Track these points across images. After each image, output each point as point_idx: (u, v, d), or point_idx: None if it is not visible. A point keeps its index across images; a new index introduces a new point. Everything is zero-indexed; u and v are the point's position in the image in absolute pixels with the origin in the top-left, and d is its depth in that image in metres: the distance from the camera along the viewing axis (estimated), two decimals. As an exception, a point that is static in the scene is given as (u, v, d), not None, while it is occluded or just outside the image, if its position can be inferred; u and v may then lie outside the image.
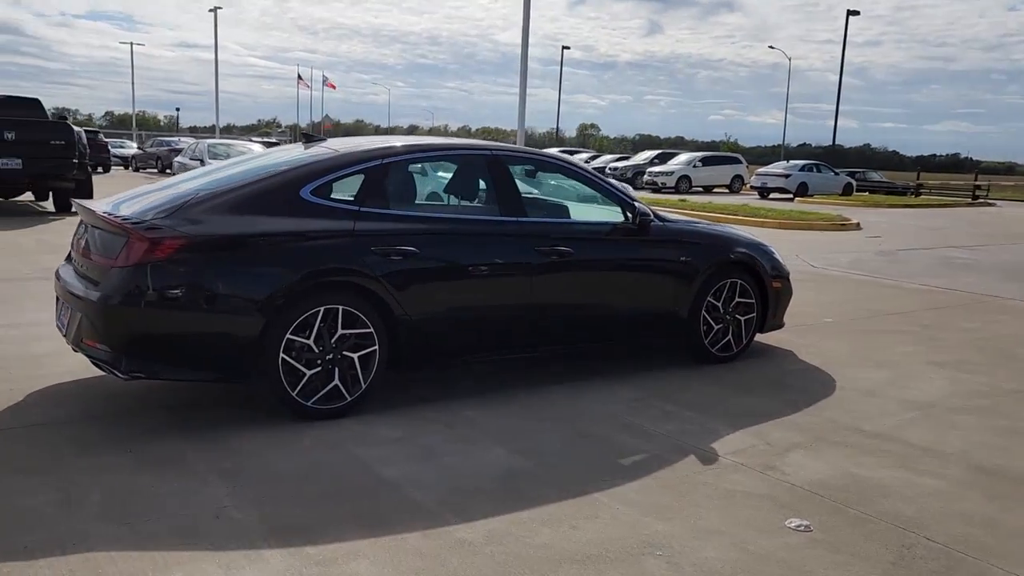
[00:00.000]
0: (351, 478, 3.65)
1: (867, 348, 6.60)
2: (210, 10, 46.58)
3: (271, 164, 4.68)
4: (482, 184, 5.18)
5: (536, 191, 5.95)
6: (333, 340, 4.35)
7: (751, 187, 34.48)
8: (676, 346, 5.94)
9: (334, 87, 76.45)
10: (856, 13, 42.65)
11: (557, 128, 60.22)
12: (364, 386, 4.47)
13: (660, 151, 40.30)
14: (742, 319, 5.96)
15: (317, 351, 4.31)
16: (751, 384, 5.41)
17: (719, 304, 5.81)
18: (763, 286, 6.03)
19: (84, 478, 3.51)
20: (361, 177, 4.62)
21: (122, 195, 4.69)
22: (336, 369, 4.38)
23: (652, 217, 5.40)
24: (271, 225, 4.25)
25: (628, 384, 5.28)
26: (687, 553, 3.08)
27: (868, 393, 5.32)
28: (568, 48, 54.95)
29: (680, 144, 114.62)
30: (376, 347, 4.47)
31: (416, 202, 5.08)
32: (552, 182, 6.38)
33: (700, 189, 34.56)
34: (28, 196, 16.21)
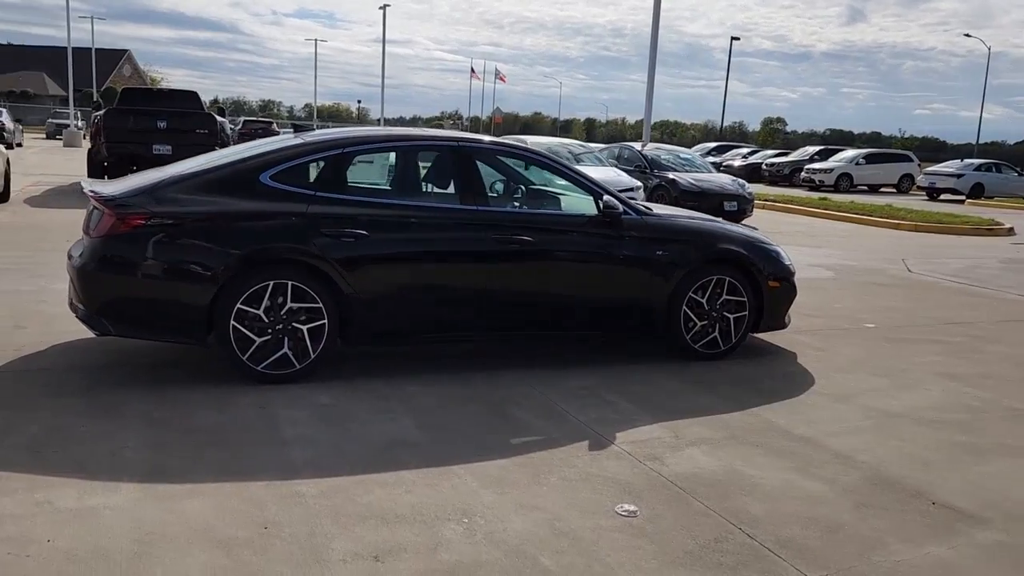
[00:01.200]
0: (254, 434, 4.06)
1: (883, 355, 6.30)
2: (380, 8, 49.03)
3: (247, 151, 5.17)
4: (445, 174, 5.45)
5: (543, 183, 6.10)
6: (282, 312, 4.78)
7: (918, 187, 32.25)
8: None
9: (504, 80, 78.09)
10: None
11: (722, 122, 58.50)
12: (313, 356, 4.87)
13: (822, 147, 38.43)
14: (731, 317, 5.88)
15: (267, 321, 4.76)
16: (717, 382, 5.37)
17: (703, 300, 5.77)
18: (756, 285, 5.92)
19: (33, 415, 4.13)
20: (320, 164, 5.02)
21: (130, 177, 5.34)
22: (286, 339, 4.81)
23: (621, 210, 5.46)
24: (228, 206, 4.73)
25: (586, 373, 5.39)
26: (492, 524, 3.26)
27: (839, 399, 5.15)
28: (737, 39, 53.13)
29: (876, 141, 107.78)
30: (325, 321, 4.86)
31: (373, 189, 5.42)
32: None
33: (865, 188, 32.71)
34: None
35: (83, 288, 4.64)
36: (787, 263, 6.15)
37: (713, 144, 44.98)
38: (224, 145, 15.98)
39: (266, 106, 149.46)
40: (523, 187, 5.99)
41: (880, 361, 6.13)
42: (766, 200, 21.16)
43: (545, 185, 6.01)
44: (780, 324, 6.22)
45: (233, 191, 4.80)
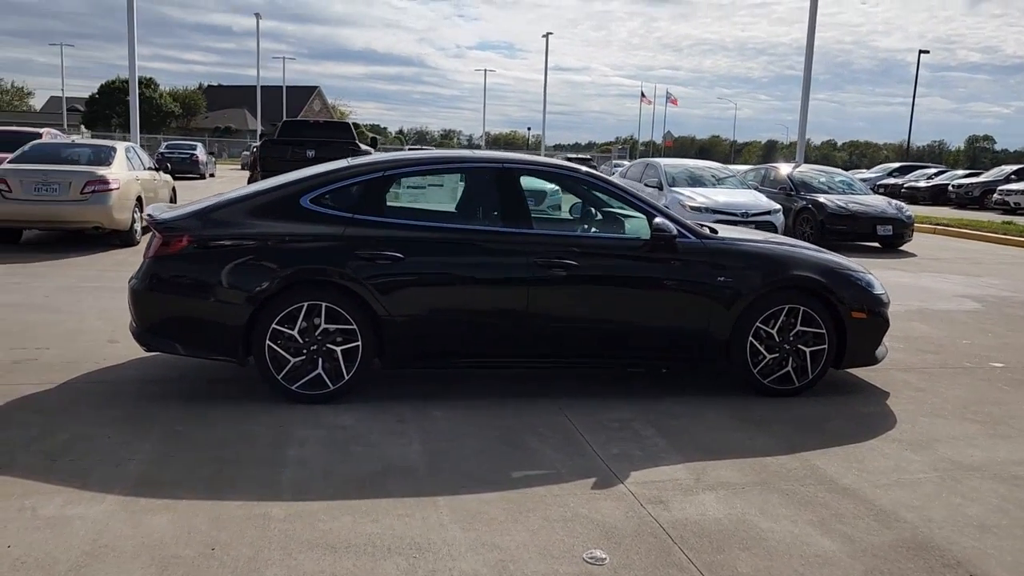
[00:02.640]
0: (258, 452, 4.12)
1: (992, 400, 5.55)
2: (543, 36, 49.91)
3: (296, 176, 5.30)
4: (488, 196, 5.34)
5: (600, 205, 5.86)
6: (317, 333, 4.84)
7: None
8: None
9: (676, 103, 76.94)
10: None
11: (909, 140, 54.69)
12: (347, 377, 4.90)
13: (1020, 166, 34.97)
14: (807, 351, 5.38)
15: (302, 341, 4.83)
16: (775, 421, 4.92)
17: (773, 331, 5.31)
18: (837, 315, 5.39)
19: (69, 423, 4.39)
20: (360, 188, 5.06)
21: (193, 202, 5.62)
22: (320, 359, 4.87)
23: (674, 232, 5.14)
24: (268, 228, 4.87)
25: (629, 404, 5.09)
26: (439, 562, 3.10)
27: (912, 447, 4.57)
28: (927, 52, 49.58)
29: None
30: (359, 343, 4.88)
31: (412, 211, 5.38)
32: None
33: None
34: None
35: (134, 306, 4.91)
36: (876, 292, 5.56)
37: (896, 165, 42.11)
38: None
39: (447, 135, 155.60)
40: (574, 209, 5.78)
41: (985, 406, 5.39)
42: (937, 224, 19.48)
43: (602, 207, 5.76)
44: (868, 359, 5.62)
45: (275, 214, 4.93)
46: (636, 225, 5.41)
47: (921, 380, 5.96)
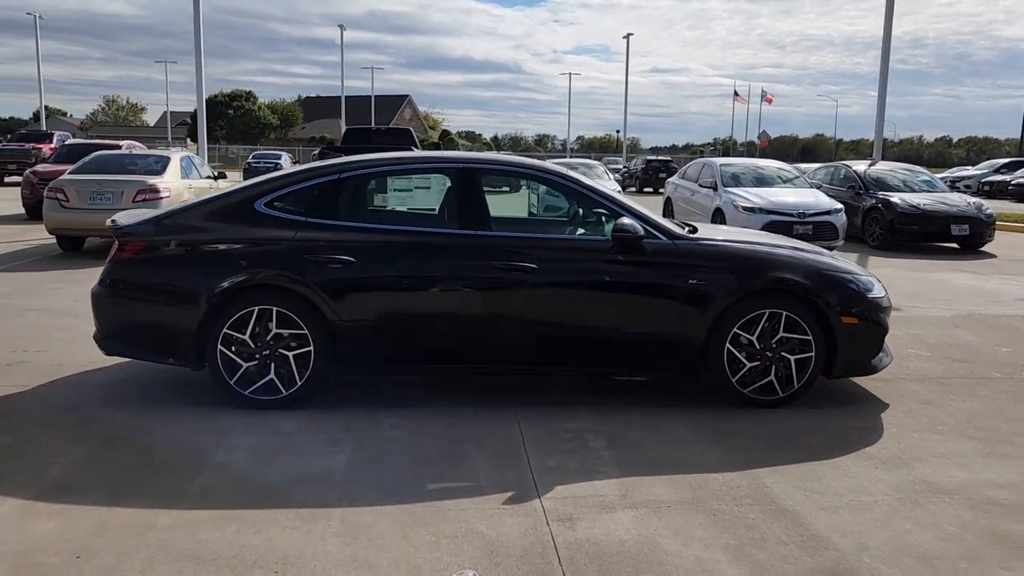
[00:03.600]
0: (182, 458, 4.08)
1: (1004, 416, 5.03)
2: (623, 36, 49.34)
3: (255, 180, 5.27)
4: (447, 197, 5.18)
5: (570, 205, 5.65)
6: (268, 338, 4.80)
7: None
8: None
9: (771, 101, 74.42)
10: None
11: (1022, 135, 51.28)
12: (300, 383, 4.83)
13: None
14: (792, 358, 5.01)
15: (253, 346, 4.79)
16: (742, 434, 4.58)
17: (753, 338, 4.97)
18: (826, 321, 5.00)
19: (22, 426, 4.47)
20: (314, 191, 4.99)
21: (158, 209, 5.64)
22: (272, 364, 4.82)
23: (639, 233, 4.85)
24: (221, 233, 4.85)
25: (591, 413, 4.84)
26: (302, 571, 2.96)
27: (885, 465, 4.17)
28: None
29: None
30: (311, 348, 4.80)
31: (368, 214, 5.26)
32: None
33: None
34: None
35: (93, 311, 4.97)
36: (872, 296, 5.13)
37: (1004, 161, 39.66)
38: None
39: (541, 140, 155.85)
40: (540, 210, 5.56)
41: (993, 421, 4.89)
42: (1031, 223, 18.15)
43: (577, 207, 5.52)
44: (864, 368, 5.19)
45: (230, 219, 4.91)
46: (611, 226, 5.16)
47: (932, 391, 5.47)
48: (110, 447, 4.22)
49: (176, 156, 13.04)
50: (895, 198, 14.32)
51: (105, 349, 4.97)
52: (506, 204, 5.77)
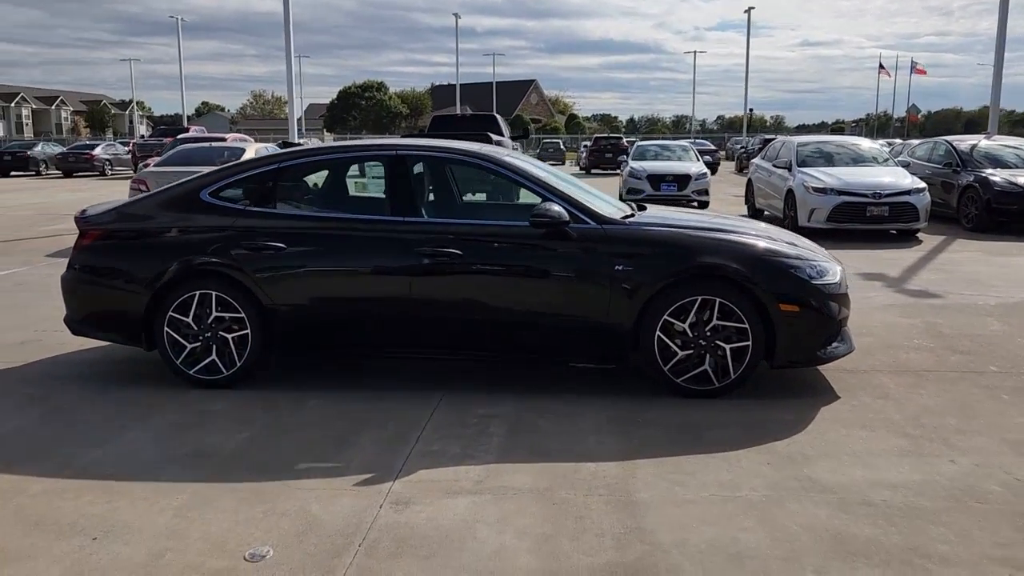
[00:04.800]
0: (98, 432, 4.39)
1: (970, 414, 4.65)
2: (745, 11, 47.41)
3: (205, 171, 5.52)
4: (381, 184, 5.26)
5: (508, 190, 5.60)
6: (210, 321, 5.06)
7: None
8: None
9: (924, 72, 69.57)
10: None
11: None
12: (239, 364, 5.07)
13: None
14: (727, 347, 4.81)
15: (196, 328, 5.07)
16: (657, 425, 4.45)
17: (685, 326, 4.81)
18: (764, 309, 4.77)
19: (-18, 399, 4.93)
20: (253, 180, 5.21)
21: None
22: (214, 346, 5.09)
23: (559, 219, 4.77)
24: (168, 221, 5.15)
25: (521, 400, 4.82)
26: (108, 546, 3.16)
27: (779, 462, 3.96)
28: None
29: None
30: (248, 331, 5.04)
31: (304, 202, 5.40)
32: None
33: None
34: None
35: (62, 294, 5.39)
36: (818, 283, 4.84)
37: None
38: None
39: (678, 122, 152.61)
40: (470, 196, 5.55)
41: (943, 419, 4.53)
42: None
43: (518, 191, 5.48)
44: (809, 358, 4.92)
45: (180, 208, 5.20)
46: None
47: (902, 385, 5.11)
48: (44, 418, 4.59)
49: (253, 147, 13.73)
50: (995, 176, 13.24)
51: (72, 330, 5.38)
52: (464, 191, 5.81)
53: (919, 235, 12.52)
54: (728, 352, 4.80)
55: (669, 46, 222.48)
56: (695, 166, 18.13)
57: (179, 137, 20.30)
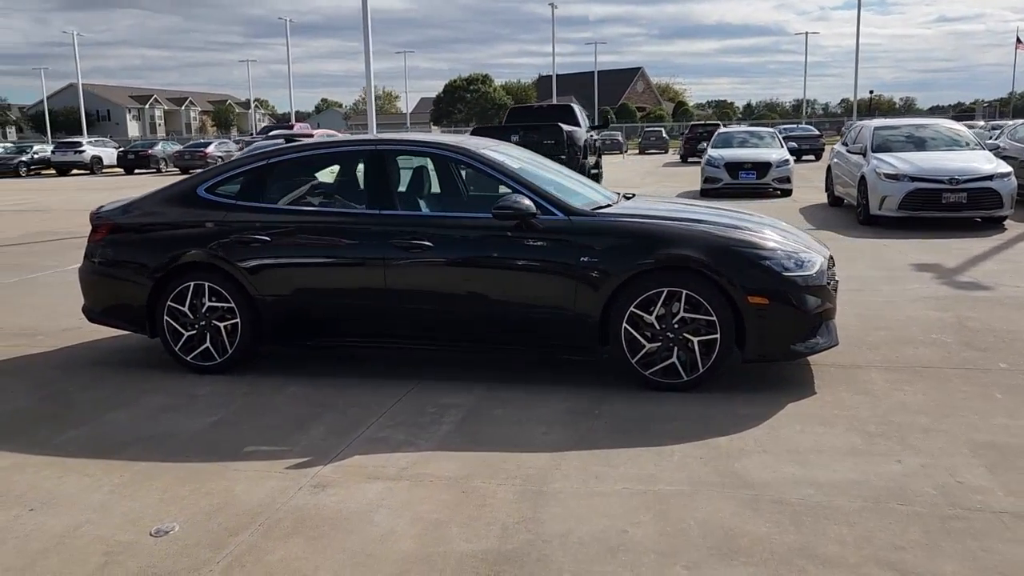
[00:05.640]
0: (87, 411, 4.73)
1: (947, 412, 4.41)
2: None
3: (205, 169, 5.81)
4: (360, 179, 5.39)
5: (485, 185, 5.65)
6: (204, 310, 5.36)
7: None
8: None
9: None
10: None
11: None
12: (230, 351, 5.35)
13: None
14: (695, 340, 4.73)
15: (192, 317, 5.38)
16: (612, 418, 4.44)
17: (653, 318, 4.76)
18: (733, 301, 4.66)
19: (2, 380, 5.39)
20: (243, 176, 5.46)
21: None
22: (208, 334, 5.38)
23: (521, 211, 4.80)
24: (168, 216, 5.47)
25: (488, 390, 4.89)
26: (35, 518, 3.41)
27: (710, 457, 3.88)
28: None
29: None
30: (238, 320, 5.31)
31: (288, 197, 5.58)
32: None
33: None
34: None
35: (80, 284, 5.80)
36: (791, 276, 4.68)
37: None
38: (574, 155, 16.77)
39: (798, 106, 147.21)
40: (443, 189, 5.62)
41: (914, 418, 4.31)
42: None
43: (493, 184, 5.51)
44: (783, 353, 4.77)
45: (179, 203, 5.52)
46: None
47: (889, 381, 4.89)
48: (45, 399, 4.98)
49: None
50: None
51: (88, 319, 5.79)
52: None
53: (1006, 223, 11.77)
54: (696, 345, 4.72)
55: (791, 27, 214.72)
56: (776, 153, 17.60)
57: (271, 133, 21.16)
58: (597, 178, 19.43)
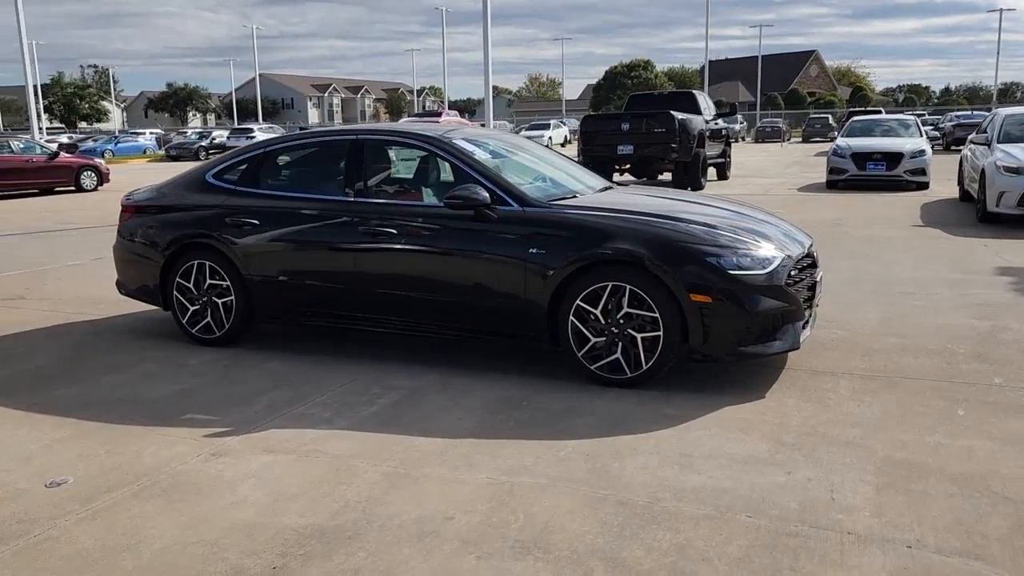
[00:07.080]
0: (84, 374, 5.25)
1: (893, 426, 4.12)
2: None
3: (216, 156, 6.23)
4: (343, 167, 5.59)
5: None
6: (205, 287, 5.80)
7: None
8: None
9: None
10: None
11: None
12: (227, 326, 5.77)
13: None
14: (639, 336, 4.65)
15: (196, 293, 5.84)
16: (530, 409, 4.45)
17: (598, 312, 4.72)
18: (676, 298, 4.54)
19: (35, 338, 6.06)
20: (244, 163, 5.84)
21: None
22: (209, 310, 5.83)
23: (475, 201, 4.86)
24: (180, 199, 5.95)
25: (440, 376, 5.01)
26: (-25, 462, 3.91)
27: (599, 454, 3.83)
28: None
29: None
30: (232, 298, 5.71)
31: (280, 183, 5.86)
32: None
33: None
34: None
35: (114, 260, 6.41)
36: (737, 274, 4.48)
37: None
38: (686, 143, 16.36)
39: (1006, 90, 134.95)
40: (417, 178, 5.73)
41: (846, 430, 4.04)
42: None
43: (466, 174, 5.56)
44: (729, 353, 4.58)
45: (191, 188, 5.99)
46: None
47: (853, 390, 4.60)
48: (62, 360, 5.57)
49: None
50: None
51: (120, 291, 6.39)
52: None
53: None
54: (640, 342, 4.63)
55: (1003, 3, 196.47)
56: (911, 143, 16.39)
57: (403, 120, 21.99)
58: (722, 167, 18.84)
